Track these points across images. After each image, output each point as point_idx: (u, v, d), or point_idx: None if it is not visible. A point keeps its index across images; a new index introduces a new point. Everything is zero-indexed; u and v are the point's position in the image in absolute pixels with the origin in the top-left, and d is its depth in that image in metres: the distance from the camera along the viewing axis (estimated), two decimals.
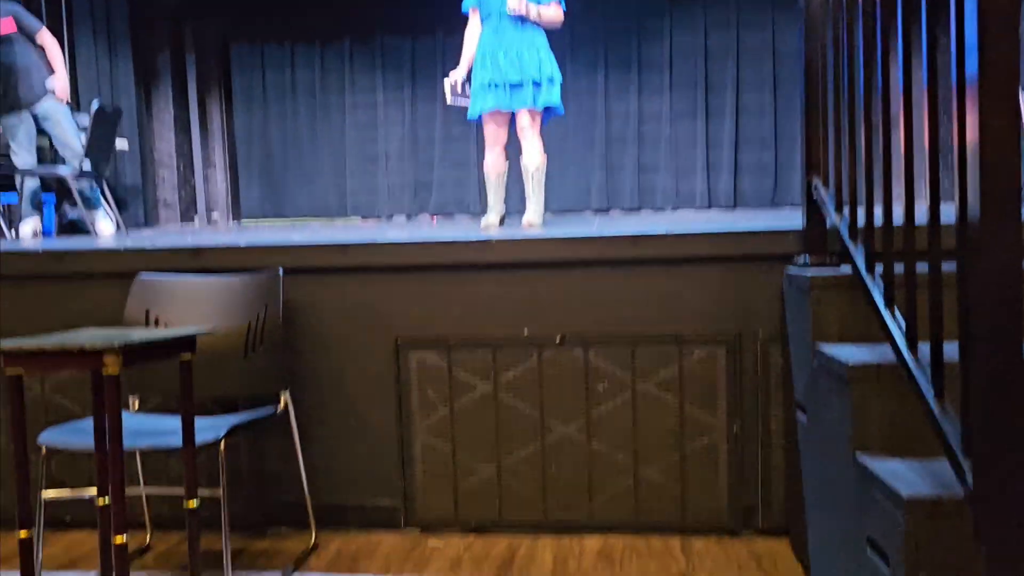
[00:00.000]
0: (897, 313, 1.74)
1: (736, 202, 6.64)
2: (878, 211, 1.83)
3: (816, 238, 2.29)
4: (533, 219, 3.94)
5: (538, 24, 3.90)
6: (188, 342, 1.91)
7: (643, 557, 2.45)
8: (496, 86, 3.84)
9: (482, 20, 3.97)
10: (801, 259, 2.31)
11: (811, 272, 2.15)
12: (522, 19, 3.85)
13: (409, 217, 7.17)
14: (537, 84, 3.82)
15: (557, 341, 2.60)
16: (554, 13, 3.91)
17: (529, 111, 3.86)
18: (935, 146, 1.53)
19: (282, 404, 2.51)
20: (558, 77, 3.91)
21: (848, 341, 2.08)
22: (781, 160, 6.58)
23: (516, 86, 3.81)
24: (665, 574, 2.32)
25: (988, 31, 1.24)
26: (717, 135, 6.66)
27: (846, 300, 2.09)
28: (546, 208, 6.65)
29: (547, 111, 3.95)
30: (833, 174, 2.16)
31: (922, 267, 1.61)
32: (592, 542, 2.58)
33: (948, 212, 1.45)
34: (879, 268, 1.87)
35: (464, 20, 4.10)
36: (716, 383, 2.54)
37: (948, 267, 1.47)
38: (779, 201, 6.54)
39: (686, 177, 6.71)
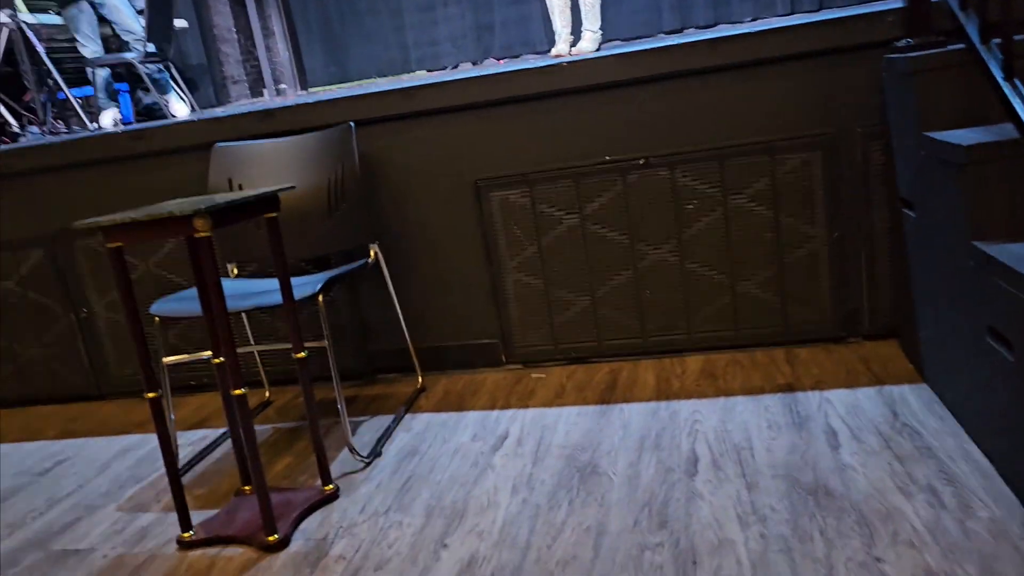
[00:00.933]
0: (1019, 84, 1.58)
1: (821, 3, 6.12)
2: None
3: (920, 16, 2.08)
4: (587, 47, 3.81)
5: None
6: (272, 200, 1.92)
7: (747, 370, 2.44)
8: None
9: None
10: (903, 42, 2.11)
11: (916, 54, 1.96)
12: None
13: (475, 64, 6.94)
14: None
15: (640, 163, 2.50)
16: None
17: None
18: None
19: (372, 256, 2.53)
20: None
21: (959, 126, 1.92)
22: None
23: None
24: (771, 384, 2.31)
25: None
26: None
27: (956, 82, 1.91)
28: (616, 36, 6.36)
29: None
30: None
31: None
32: (693, 361, 2.58)
33: None
34: (996, 41, 1.69)
35: None
36: (813, 189, 2.41)
37: None
38: None
39: None
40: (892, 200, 2.31)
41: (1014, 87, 1.58)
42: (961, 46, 1.87)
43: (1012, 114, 1.56)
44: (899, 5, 2.17)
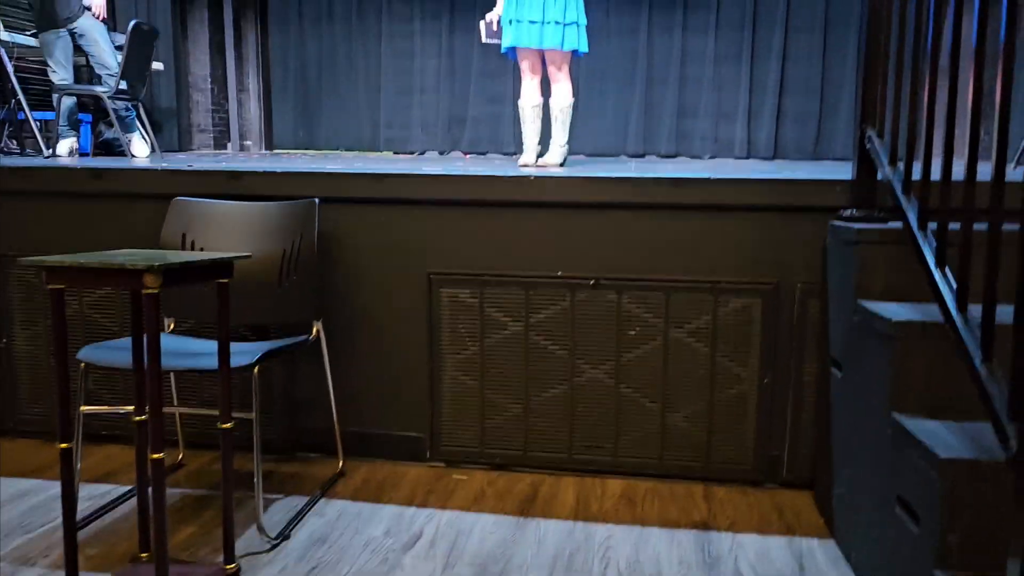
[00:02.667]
0: (948, 272, 1.70)
1: (776, 153, 6.49)
2: (935, 166, 1.77)
3: (865, 191, 2.23)
4: (553, 159, 3.95)
5: None
6: (226, 266, 1.91)
7: (665, 501, 2.47)
8: (519, 23, 3.79)
9: None
10: (848, 212, 2.25)
11: (858, 226, 2.10)
12: None
13: (442, 153, 7.10)
14: (560, 24, 3.74)
15: (591, 284, 2.58)
16: None
17: (555, 51, 3.80)
18: (1006, 105, 1.47)
19: (314, 333, 2.52)
20: (583, 21, 3.85)
21: (892, 299, 2.04)
22: (826, 110, 6.40)
23: (539, 24, 3.74)
24: (686, 519, 2.34)
25: None
26: (761, 79, 6.48)
27: (893, 257, 2.04)
28: (580, 151, 6.61)
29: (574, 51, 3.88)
30: (890, 126, 2.09)
31: (975, 227, 1.57)
32: (615, 484, 2.60)
33: (1009, 172, 1.39)
34: (932, 225, 1.82)
35: None
36: (750, 334, 2.51)
37: (1005, 228, 1.42)
38: (820, 153, 6.39)
39: (726, 123, 6.56)
40: (823, 356, 2.42)
41: (944, 274, 1.70)
42: (900, 225, 2.01)
43: (939, 299, 1.67)
44: (847, 177, 2.33)
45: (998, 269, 1.46)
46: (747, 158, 6.48)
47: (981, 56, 1.57)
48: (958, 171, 1.63)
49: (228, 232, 2.58)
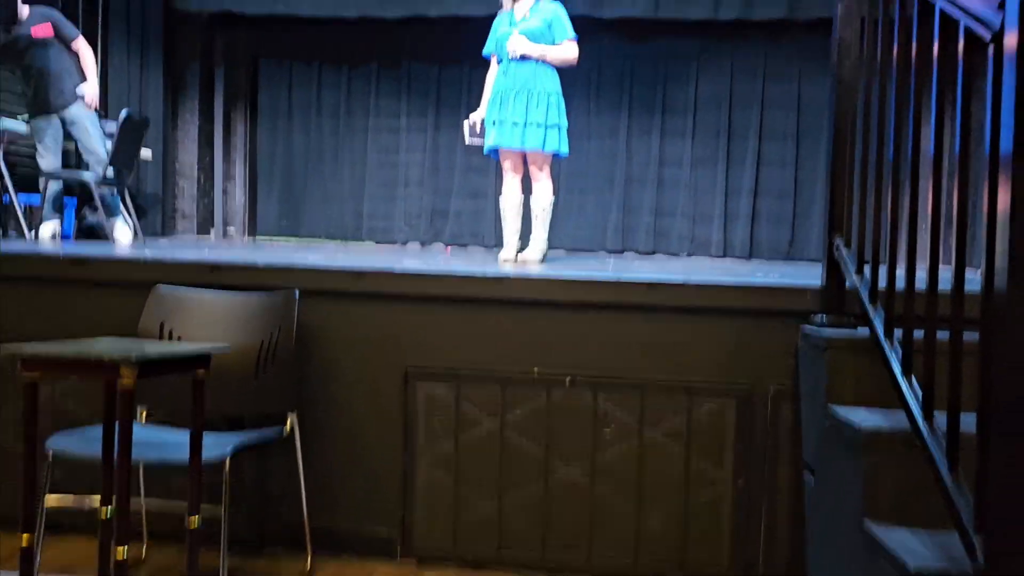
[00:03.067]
0: (914, 381, 1.74)
1: (751, 253, 6.63)
2: (900, 275, 1.83)
3: (835, 298, 2.29)
4: (532, 256, 4.01)
5: (551, 65, 3.94)
6: (204, 359, 1.92)
7: None
8: (502, 124, 3.91)
9: (498, 63, 4.05)
10: (818, 318, 2.31)
11: (828, 332, 2.15)
12: (533, 62, 3.90)
13: (423, 245, 7.19)
14: (541, 127, 3.87)
15: (567, 383, 2.60)
16: (564, 53, 3.95)
17: (537, 152, 3.92)
18: (964, 215, 1.54)
19: (288, 426, 2.51)
20: (564, 124, 3.97)
21: (862, 404, 2.07)
22: (799, 212, 6.59)
23: (521, 126, 3.87)
24: None
25: None
26: (736, 183, 6.68)
27: (862, 363, 2.08)
28: (560, 246, 6.72)
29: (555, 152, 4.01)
30: (856, 235, 2.16)
31: (940, 335, 1.61)
32: None
33: (972, 280, 1.45)
34: (898, 333, 1.87)
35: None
36: (724, 436, 2.53)
37: (968, 336, 1.47)
38: (795, 255, 6.54)
39: (702, 224, 6.72)
40: (797, 461, 2.43)
41: (910, 383, 1.74)
42: (869, 332, 2.06)
43: (906, 408, 1.70)
44: (819, 282, 2.40)
45: (960, 379, 1.50)
46: (723, 257, 6.62)
47: (939, 167, 1.65)
48: (928, 279, 1.69)
49: (207, 322, 2.59)
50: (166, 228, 7.13)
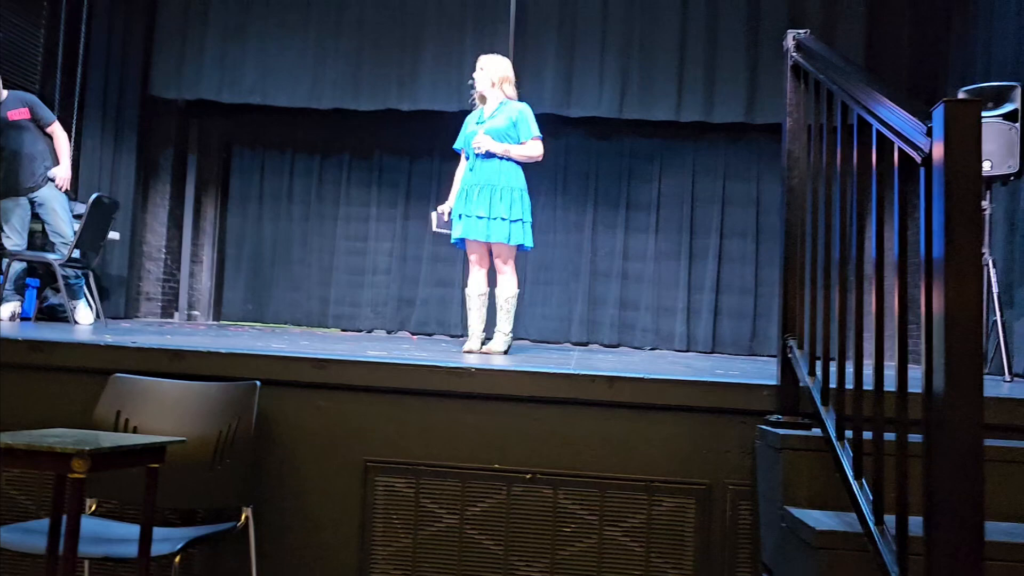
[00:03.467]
0: (865, 484, 1.77)
1: (714, 347, 6.73)
2: (850, 378, 1.89)
3: (789, 398, 2.34)
4: (496, 347, 4.04)
5: (515, 162, 4.06)
6: (158, 451, 1.90)
7: None
8: (468, 217, 4.02)
9: (466, 159, 4.19)
10: (774, 418, 2.35)
11: (783, 432, 2.19)
12: (498, 159, 4.03)
13: (389, 333, 7.20)
14: (505, 221, 3.97)
15: (528, 478, 2.59)
16: (527, 151, 4.07)
17: (502, 245, 4.01)
18: (904, 324, 1.60)
19: (243, 520, 2.45)
20: (527, 219, 4.06)
21: (818, 504, 2.09)
22: (760, 309, 6.73)
23: (486, 220, 3.97)
24: None
25: (953, 218, 1.33)
26: (699, 279, 6.83)
27: (817, 463, 2.11)
28: (526, 337, 6.76)
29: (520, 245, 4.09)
30: (808, 337, 2.23)
31: (890, 436, 1.65)
32: None
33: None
34: (849, 434, 1.91)
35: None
36: (684, 535, 2.52)
37: (918, 438, 1.51)
38: (756, 350, 6.65)
39: (666, 318, 6.83)
40: (756, 561, 2.42)
41: (861, 486, 1.77)
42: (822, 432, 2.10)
43: (858, 510, 1.73)
44: (774, 382, 2.45)
45: (908, 482, 1.54)
46: (687, 351, 6.70)
47: (880, 272, 1.73)
48: (875, 381, 1.74)
49: (164, 412, 2.55)
50: (129, 310, 7.07)
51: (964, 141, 1.32)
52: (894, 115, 1.57)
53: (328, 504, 2.68)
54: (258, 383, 2.56)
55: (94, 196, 5.16)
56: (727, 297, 6.80)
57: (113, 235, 6.22)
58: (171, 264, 7.53)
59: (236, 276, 7.58)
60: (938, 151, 1.35)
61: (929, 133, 1.40)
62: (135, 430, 2.53)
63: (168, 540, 2.13)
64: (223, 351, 2.78)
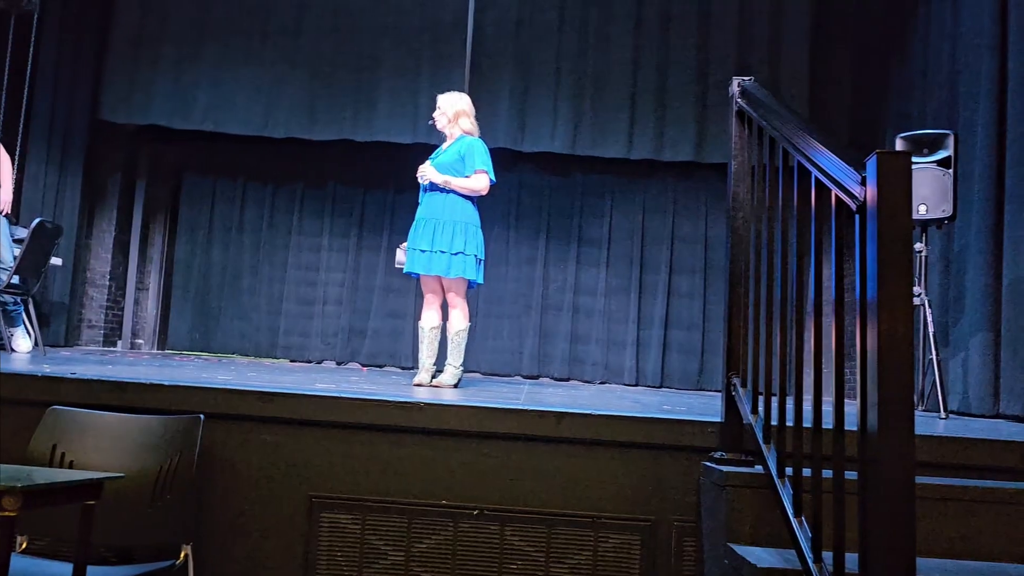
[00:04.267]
0: (804, 521, 1.81)
1: (662, 382, 6.80)
2: (790, 417, 1.93)
3: (733, 435, 2.38)
4: (446, 380, 4.05)
5: (462, 196, 4.08)
6: (94, 488, 1.85)
7: None
8: (413, 250, 4.07)
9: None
10: (718, 454, 2.38)
11: (727, 469, 2.22)
12: (443, 193, 4.05)
13: (339, 364, 7.12)
14: (445, 254, 3.99)
15: (475, 514, 2.58)
16: (470, 182, 4.07)
17: (449, 279, 4.02)
18: (840, 364, 1.65)
19: (182, 558, 2.39)
20: (472, 251, 4.05)
21: (761, 542, 2.12)
22: (707, 344, 6.83)
23: (428, 253, 4.00)
24: None
25: (885, 263, 1.39)
26: (648, 313, 6.91)
27: (760, 500, 2.15)
28: (478, 370, 6.75)
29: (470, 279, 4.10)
30: (751, 376, 2.27)
31: (830, 473, 1.69)
32: None
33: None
34: (790, 471, 1.95)
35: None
36: (629, 572, 2.53)
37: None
38: (704, 384, 6.73)
39: (616, 351, 6.89)
40: None
41: (800, 523, 1.80)
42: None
43: (797, 548, 1.76)
44: (719, 419, 2.49)
45: (844, 520, 1.57)
46: (636, 385, 6.75)
47: (819, 313, 1.78)
48: (813, 420, 1.78)
49: (103, 446, 2.49)
50: (70, 338, 6.88)
51: (895, 190, 1.38)
52: (831, 164, 1.64)
53: (272, 541, 2.63)
54: (202, 416, 2.52)
55: (36, 221, 5.04)
56: (676, 332, 6.89)
57: (55, 261, 6.07)
58: (115, 291, 7.36)
59: (183, 305, 7.44)
60: (871, 199, 1.41)
61: (863, 182, 1.46)
62: (71, 465, 2.46)
63: None
64: (166, 383, 2.72)
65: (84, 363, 4.01)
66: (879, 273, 1.36)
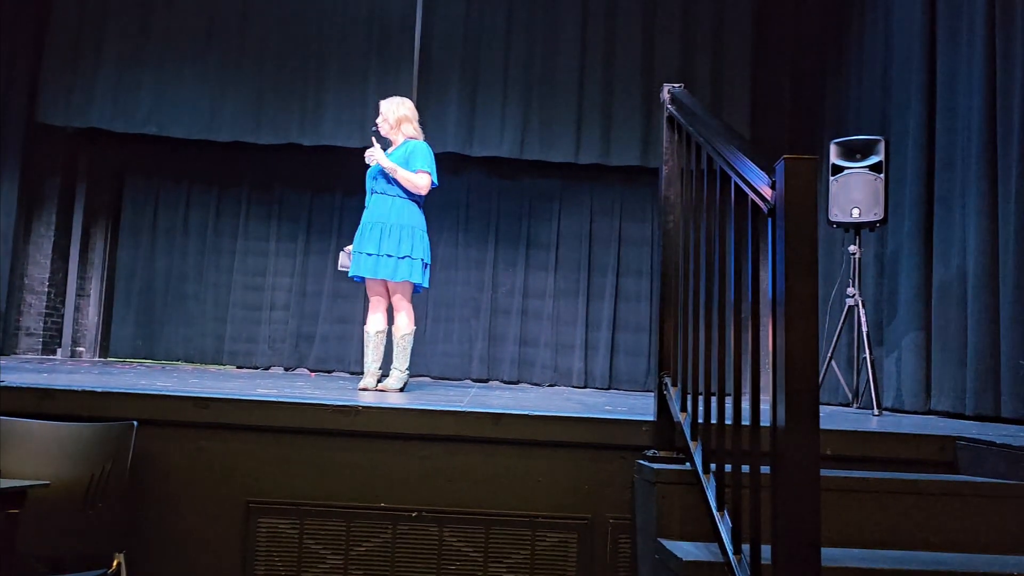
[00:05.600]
0: (726, 515, 1.86)
1: (611, 383, 6.88)
2: (715, 414, 1.98)
3: (664, 433, 2.43)
4: (392, 384, 4.05)
5: (409, 200, 4.09)
6: (17, 496, 1.82)
7: None
8: (359, 254, 4.06)
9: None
10: (651, 452, 2.43)
11: (657, 466, 2.27)
12: (390, 198, 4.05)
13: (287, 369, 7.05)
14: (391, 258, 4.00)
15: (413, 516, 2.59)
16: (411, 176, 4.07)
17: (394, 282, 4.02)
18: (756, 362, 1.71)
19: (114, 566, 2.36)
20: (419, 255, 4.07)
21: (690, 536, 2.17)
22: (654, 346, 6.91)
23: (375, 256, 4.00)
24: None
25: (792, 264, 1.44)
26: (596, 316, 6.99)
27: (689, 496, 2.20)
28: (427, 374, 6.75)
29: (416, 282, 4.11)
30: (681, 374, 2.33)
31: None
32: None
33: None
34: (714, 467, 2.01)
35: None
36: (566, 569, 2.56)
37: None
38: (651, 385, 6.80)
39: (565, 354, 6.94)
40: None
41: (723, 517, 1.86)
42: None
43: (719, 540, 1.81)
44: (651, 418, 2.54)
45: (760, 512, 1.62)
46: (584, 387, 6.82)
47: (738, 313, 1.84)
48: (734, 417, 1.84)
49: (31, 454, 2.45)
50: (7, 347, 6.71)
51: (801, 194, 1.44)
52: (747, 168, 1.69)
53: (208, 547, 2.61)
54: (135, 423, 2.49)
55: None
56: (623, 334, 6.97)
57: None
58: (55, 298, 7.19)
59: (126, 311, 7.29)
60: (780, 203, 1.46)
61: (773, 186, 1.52)
62: (0, 474, 2.41)
63: None
64: (98, 389, 2.69)
65: (17, 371, 3.92)
66: (785, 272, 1.42)
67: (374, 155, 4.08)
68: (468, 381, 6.81)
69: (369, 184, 4.15)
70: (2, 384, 2.72)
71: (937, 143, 4.50)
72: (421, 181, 4.10)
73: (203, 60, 6.80)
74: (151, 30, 6.84)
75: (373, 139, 4.15)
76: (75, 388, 2.69)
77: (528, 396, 4.52)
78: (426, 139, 4.33)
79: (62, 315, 7.28)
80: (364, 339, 4.22)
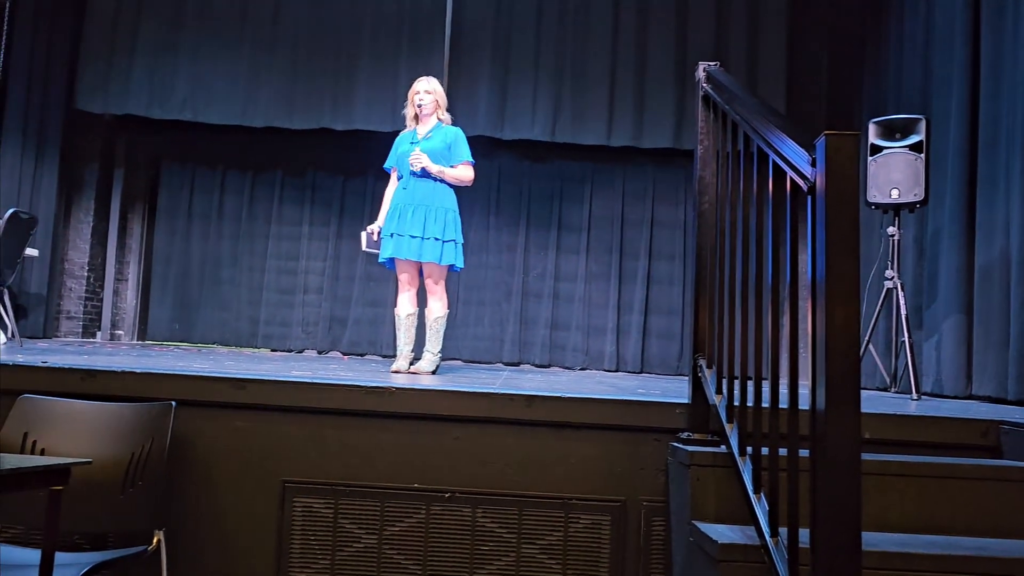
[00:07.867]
0: (763, 498, 1.84)
1: (643, 367, 6.84)
2: (751, 397, 1.96)
3: (699, 416, 2.41)
4: (424, 367, 4.06)
5: (447, 184, 4.09)
6: (62, 474, 1.86)
7: None
8: (400, 237, 4.02)
9: (398, 178, 4.20)
10: (685, 434, 2.42)
11: (692, 449, 2.25)
12: (432, 180, 4.05)
13: (320, 353, 7.12)
14: (439, 241, 4.00)
15: (446, 497, 2.60)
16: (460, 173, 4.10)
17: (432, 264, 4.02)
18: (795, 344, 1.68)
19: (154, 543, 2.40)
20: (459, 239, 4.10)
21: (725, 519, 2.16)
22: (687, 329, 6.87)
23: (419, 240, 3.99)
24: None
25: (833, 244, 1.41)
26: (628, 299, 6.95)
27: (724, 479, 2.18)
28: (459, 357, 6.78)
29: (451, 265, 4.12)
30: (716, 357, 2.30)
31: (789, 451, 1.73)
32: None
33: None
34: (750, 450, 1.99)
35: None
36: (599, 552, 2.56)
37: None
38: (683, 369, 6.78)
39: (596, 338, 6.92)
40: None
41: (759, 500, 1.84)
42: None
43: (756, 523, 1.80)
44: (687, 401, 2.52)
45: (799, 495, 1.60)
46: (616, 371, 6.79)
47: (776, 295, 1.81)
48: (771, 399, 1.82)
49: (74, 433, 2.49)
50: (48, 330, 6.85)
51: (843, 171, 1.40)
52: (786, 146, 1.66)
53: (244, 526, 2.64)
54: (173, 403, 2.52)
55: (10, 211, 5.01)
56: (655, 318, 6.93)
57: (31, 252, 6.04)
58: (94, 282, 7.32)
59: (163, 295, 7.41)
60: (820, 181, 1.43)
61: (814, 163, 1.49)
62: (43, 452, 2.47)
63: (73, 565, 2.08)
64: (138, 371, 2.73)
65: (60, 353, 4.00)
66: (826, 253, 1.39)
67: (420, 160, 4.05)
68: (499, 364, 6.82)
69: (405, 167, 4.12)
70: (44, 364, 2.77)
71: (981, 121, 4.39)
72: (468, 175, 4.14)
73: (237, 47, 6.85)
74: (186, 18, 6.90)
75: (419, 161, 4.05)
76: (116, 369, 2.73)
77: (560, 379, 4.51)
78: (456, 123, 4.32)
79: (101, 299, 7.42)
80: (395, 322, 4.24)
